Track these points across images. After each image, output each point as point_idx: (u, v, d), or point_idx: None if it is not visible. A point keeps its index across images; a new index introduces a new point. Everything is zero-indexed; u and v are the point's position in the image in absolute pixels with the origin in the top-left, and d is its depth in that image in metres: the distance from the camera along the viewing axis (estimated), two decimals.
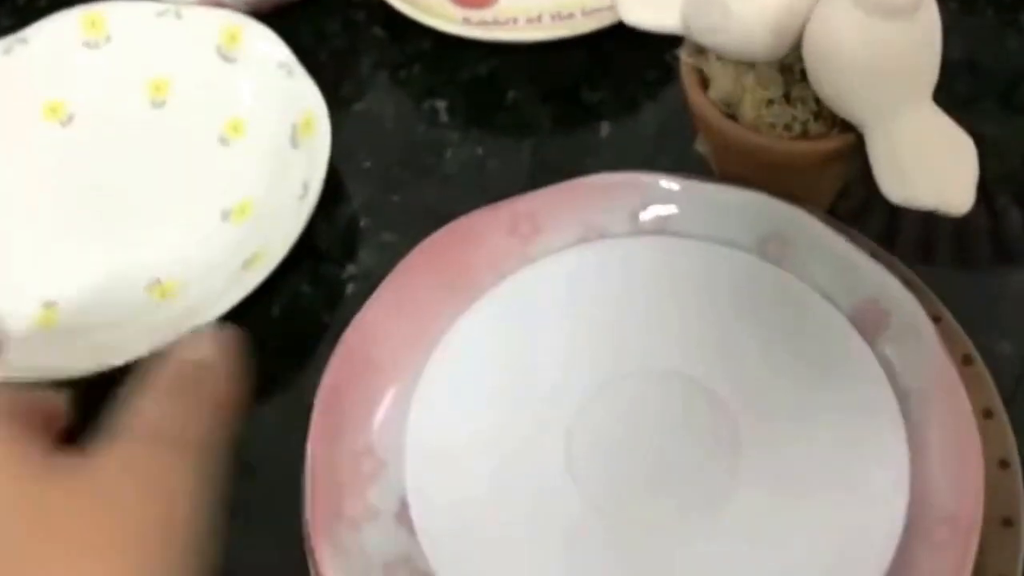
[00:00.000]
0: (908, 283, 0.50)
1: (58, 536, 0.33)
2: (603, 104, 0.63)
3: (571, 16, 0.65)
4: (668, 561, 0.44)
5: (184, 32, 0.62)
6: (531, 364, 0.49)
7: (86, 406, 0.52)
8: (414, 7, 0.64)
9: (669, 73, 0.63)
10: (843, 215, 0.53)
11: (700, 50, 0.51)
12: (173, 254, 0.57)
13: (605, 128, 0.62)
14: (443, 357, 0.49)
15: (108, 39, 0.62)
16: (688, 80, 0.52)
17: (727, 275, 0.50)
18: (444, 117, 0.63)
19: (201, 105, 0.61)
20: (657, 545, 0.44)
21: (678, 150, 0.58)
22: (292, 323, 0.55)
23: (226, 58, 0.61)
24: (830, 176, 0.54)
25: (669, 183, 0.52)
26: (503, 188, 0.54)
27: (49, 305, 0.56)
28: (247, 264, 0.53)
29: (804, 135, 0.50)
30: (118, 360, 0.50)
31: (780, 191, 0.52)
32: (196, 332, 0.42)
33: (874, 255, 0.51)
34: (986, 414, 0.47)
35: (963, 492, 0.43)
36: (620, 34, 0.59)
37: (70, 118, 0.62)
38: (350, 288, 0.56)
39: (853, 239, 0.51)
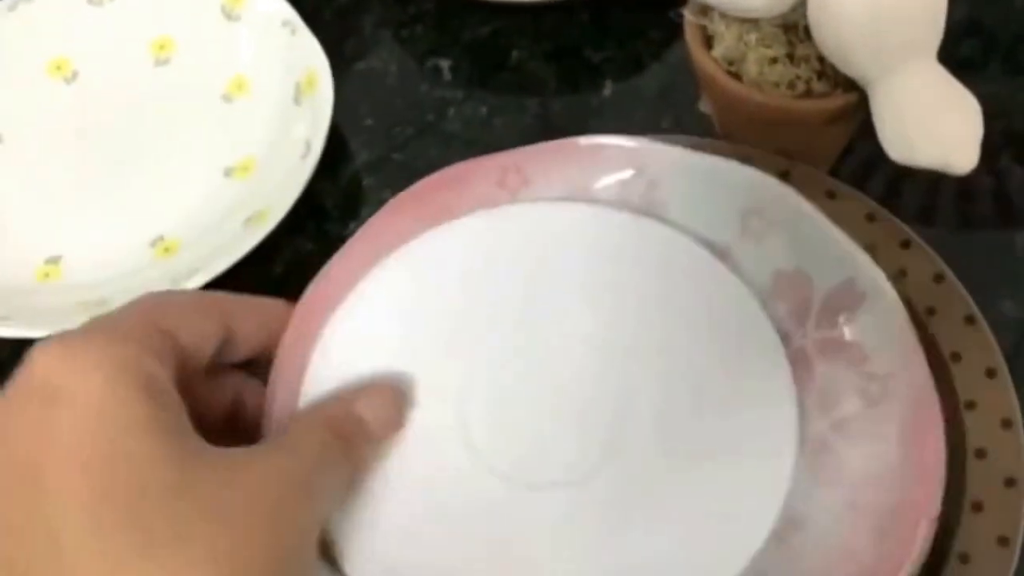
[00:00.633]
0: (908, 243, 0.51)
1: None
2: (606, 64, 0.63)
3: None
4: (567, 523, 0.44)
5: None
6: (434, 321, 0.48)
7: None
8: None
9: (672, 33, 0.63)
10: (845, 175, 0.53)
11: (704, 9, 0.51)
12: (176, 211, 0.57)
13: (608, 88, 0.62)
14: (357, 302, 0.49)
15: None
16: (692, 39, 0.52)
17: (652, 250, 0.49)
18: (447, 76, 0.63)
19: (204, 63, 0.61)
20: (552, 509, 0.44)
21: (681, 109, 0.58)
22: (294, 281, 0.55)
23: (230, 16, 0.61)
24: (833, 135, 0.54)
25: (658, 150, 0.51)
26: (506, 147, 0.52)
27: (53, 260, 0.56)
28: (249, 221, 0.53)
29: (807, 94, 0.50)
30: None
31: (783, 150, 0.52)
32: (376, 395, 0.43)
33: (873, 216, 0.51)
34: (989, 373, 0.48)
35: (919, 486, 0.42)
36: None
37: (74, 75, 0.62)
38: None
39: (854, 198, 0.51)
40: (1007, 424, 0.46)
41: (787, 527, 0.44)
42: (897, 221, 0.51)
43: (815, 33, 0.47)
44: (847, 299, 0.47)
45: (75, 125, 0.61)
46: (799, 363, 0.48)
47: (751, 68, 0.50)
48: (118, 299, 0.51)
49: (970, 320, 0.49)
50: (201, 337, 0.39)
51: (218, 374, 0.42)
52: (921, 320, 0.48)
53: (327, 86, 0.56)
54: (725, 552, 0.42)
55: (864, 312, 0.46)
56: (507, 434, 0.45)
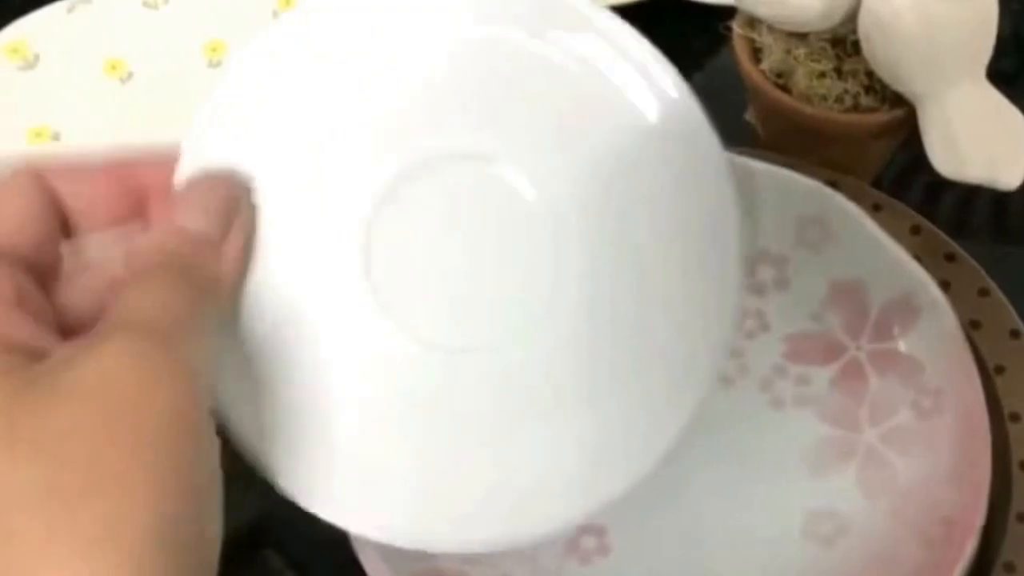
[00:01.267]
0: (953, 257, 0.51)
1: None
2: None
3: None
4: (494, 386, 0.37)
5: None
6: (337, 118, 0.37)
7: None
8: None
9: (716, 43, 0.63)
10: (886, 187, 0.54)
11: (752, 21, 0.52)
12: None
13: None
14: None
15: (167, 0, 0.63)
16: (740, 51, 0.53)
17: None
18: None
19: None
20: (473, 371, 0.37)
21: (724, 119, 0.58)
22: None
23: None
24: (877, 149, 0.54)
25: None
26: None
27: None
28: None
29: (855, 108, 0.51)
30: None
31: (827, 162, 0.53)
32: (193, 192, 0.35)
33: (918, 228, 0.52)
34: None
35: (967, 497, 0.43)
36: (665, 5, 0.60)
37: (130, 75, 0.63)
38: None
39: (899, 211, 0.52)
40: None
41: (834, 531, 0.45)
42: (941, 234, 0.52)
43: (866, 48, 0.48)
44: (903, 312, 0.48)
45: (130, 124, 0.61)
46: (852, 374, 0.49)
47: (799, 81, 0.51)
48: None
49: (1015, 334, 0.49)
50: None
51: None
52: (966, 333, 0.49)
53: None
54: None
55: (920, 326, 0.47)
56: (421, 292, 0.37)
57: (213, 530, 0.30)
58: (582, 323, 0.37)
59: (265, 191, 0.36)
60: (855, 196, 0.51)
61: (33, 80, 0.62)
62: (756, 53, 0.53)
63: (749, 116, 0.55)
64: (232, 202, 0.35)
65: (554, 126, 0.37)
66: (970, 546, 0.41)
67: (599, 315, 0.37)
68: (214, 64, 0.63)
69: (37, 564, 0.26)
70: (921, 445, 0.46)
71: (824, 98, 0.51)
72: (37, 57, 0.62)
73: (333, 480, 0.35)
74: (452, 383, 0.36)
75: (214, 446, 0.31)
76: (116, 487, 0.28)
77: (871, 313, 0.49)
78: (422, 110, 0.37)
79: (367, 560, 0.42)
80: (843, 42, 0.51)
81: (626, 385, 0.37)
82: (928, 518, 0.44)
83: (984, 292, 0.50)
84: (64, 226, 0.35)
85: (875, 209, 0.52)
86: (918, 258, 0.49)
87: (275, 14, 0.62)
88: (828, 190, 0.50)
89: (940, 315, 0.47)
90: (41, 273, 0.33)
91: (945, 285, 0.50)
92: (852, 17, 0.48)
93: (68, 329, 0.33)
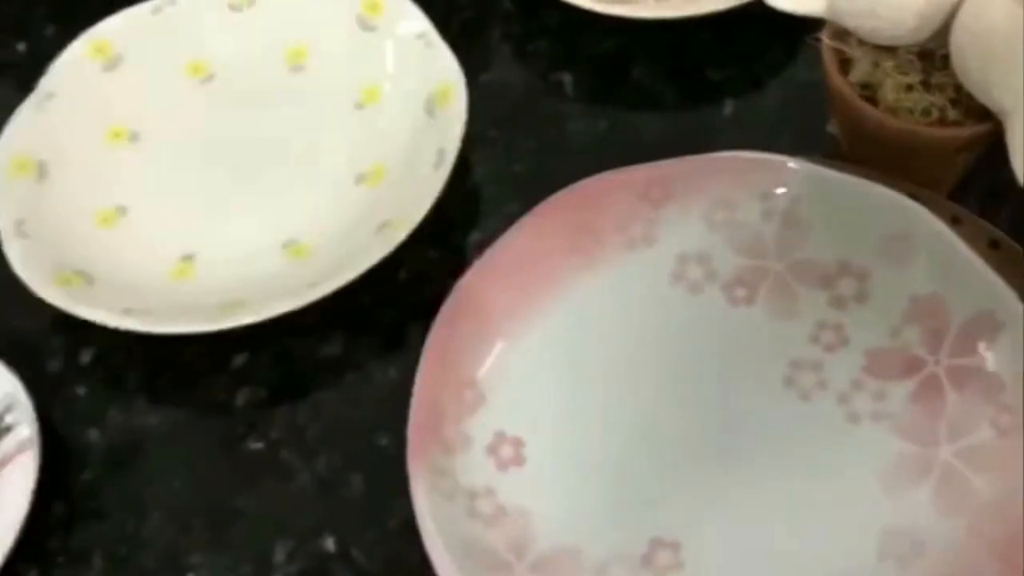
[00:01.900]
0: None
1: None
2: (727, 83, 0.63)
3: None
4: None
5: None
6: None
7: (213, 360, 0.55)
8: None
9: (793, 53, 0.63)
10: (962, 200, 0.53)
11: (841, 33, 0.51)
12: (307, 215, 0.58)
13: (729, 106, 0.62)
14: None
15: (252, 3, 0.64)
16: (829, 62, 0.52)
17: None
18: (569, 90, 0.64)
19: (338, 71, 0.62)
20: None
21: (802, 129, 0.59)
22: (418, 288, 0.56)
23: (366, 27, 0.62)
24: (958, 163, 0.54)
25: (802, 168, 0.52)
26: (625, 161, 0.54)
27: (187, 258, 0.57)
28: (381, 229, 0.54)
29: (941, 121, 0.50)
30: (250, 318, 0.52)
31: (908, 175, 0.52)
32: None
33: (997, 243, 0.51)
34: None
35: None
36: (745, 15, 0.60)
37: (211, 77, 0.63)
38: (474, 256, 0.57)
39: (977, 225, 0.51)
40: None
41: (911, 551, 0.45)
42: (1020, 248, 0.51)
43: (956, 59, 0.48)
44: (985, 328, 0.47)
45: (210, 126, 0.62)
46: (930, 390, 0.48)
47: (887, 94, 0.51)
48: (256, 301, 0.53)
49: None
50: None
51: None
52: None
53: (461, 98, 0.57)
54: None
55: (1001, 342, 0.47)
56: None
57: None
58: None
59: None
60: (934, 209, 0.50)
61: (114, 80, 0.62)
62: (843, 65, 0.53)
63: (831, 127, 0.55)
64: None
65: None
66: None
67: None
68: (296, 68, 0.63)
69: None
70: (1000, 463, 0.45)
71: (911, 111, 0.51)
72: (120, 57, 0.62)
73: None
74: None
75: None
76: None
77: (951, 328, 0.48)
78: None
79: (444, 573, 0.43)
80: (931, 55, 0.50)
81: None
82: (1008, 537, 0.43)
83: None
84: None
85: (954, 222, 0.51)
86: (997, 273, 0.49)
87: (358, 19, 0.62)
88: (911, 203, 0.50)
89: (1021, 331, 0.46)
90: None
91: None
92: (942, 32, 0.48)
93: None
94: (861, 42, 0.51)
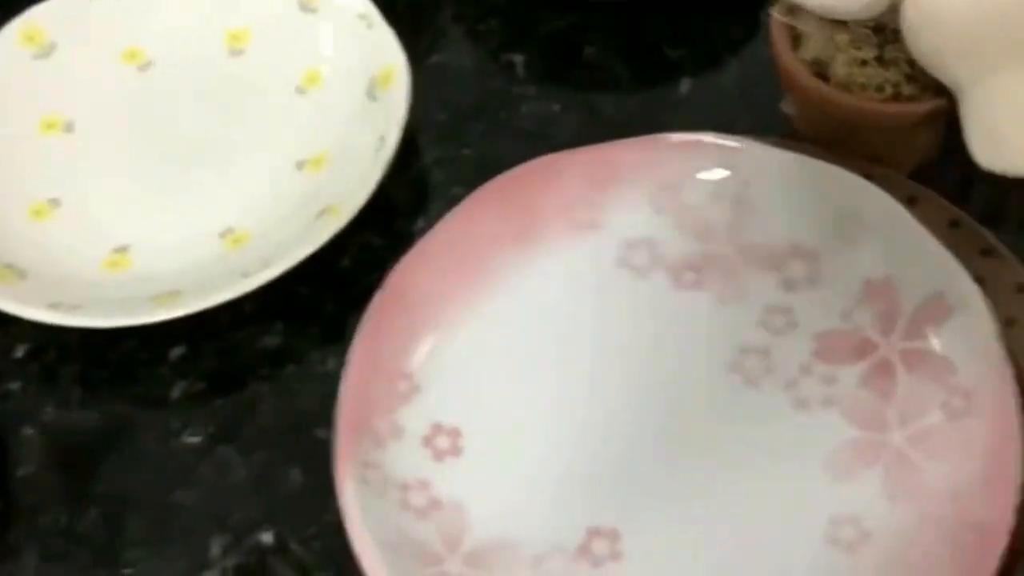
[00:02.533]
0: (990, 251, 0.49)
1: None
2: (684, 61, 0.61)
3: None
4: None
5: None
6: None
7: (150, 353, 0.53)
8: None
9: (751, 31, 0.62)
10: (922, 179, 0.52)
11: (792, 9, 0.50)
12: (246, 203, 0.56)
13: (685, 85, 0.60)
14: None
15: None
16: (779, 38, 0.51)
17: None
18: (521, 71, 0.62)
19: (279, 55, 0.61)
20: None
21: (759, 108, 0.57)
22: (361, 276, 0.55)
23: (306, 8, 0.60)
24: (917, 140, 0.52)
25: (751, 149, 0.51)
26: (579, 144, 0.53)
27: (121, 249, 0.55)
28: (321, 215, 0.53)
29: (895, 97, 0.49)
30: (185, 309, 0.50)
31: (864, 154, 0.51)
32: None
33: (957, 222, 0.50)
34: None
35: (997, 501, 0.41)
36: None
37: (148, 64, 0.61)
38: None
39: (936, 203, 0.50)
40: None
41: (858, 538, 0.44)
42: (980, 228, 0.50)
43: (909, 36, 0.46)
44: (937, 310, 0.46)
45: (147, 114, 0.60)
46: (882, 373, 0.47)
47: (839, 70, 0.49)
48: (190, 292, 0.51)
49: None
50: None
51: None
52: (1000, 330, 0.47)
53: (403, 81, 0.55)
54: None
55: (953, 324, 0.46)
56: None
57: None
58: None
59: None
60: (891, 188, 0.49)
61: (47, 68, 0.60)
62: (795, 41, 0.51)
63: (785, 106, 0.53)
64: None
65: None
66: (999, 552, 0.40)
67: None
68: (236, 52, 0.62)
69: None
70: (951, 448, 0.44)
71: (864, 87, 0.49)
72: (53, 45, 0.61)
73: None
74: None
75: None
76: None
77: (904, 310, 0.47)
78: None
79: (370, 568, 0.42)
80: (886, 30, 0.49)
81: None
82: (958, 524, 0.42)
83: (1021, 288, 0.48)
84: None
85: (911, 202, 0.50)
86: (954, 253, 0.47)
87: (299, 1, 0.60)
88: (863, 182, 0.49)
89: (975, 313, 0.45)
90: None
91: (980, 281, 0.48)
92: (896, 7, 0.46)
93: None
94: (813, 17, 0.49)
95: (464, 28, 0.64)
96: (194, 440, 0.52)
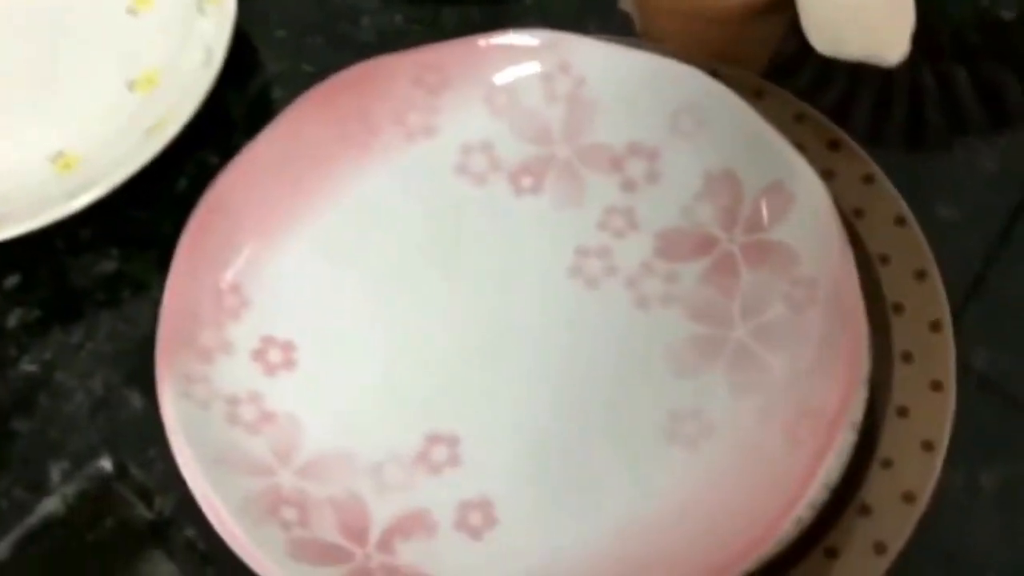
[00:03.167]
0: (837, 144, 0.49)
1: None
2: None
3: None
4: None
5: None
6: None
7: None
8: None
9: None
10: (772, 74, 0.51)
11: None
12: (77, 126, 0.55)
13: None
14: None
15: None
16: None
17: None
18: None
19: None
20: None
21: (605, 12, 0.56)
22: (200, 196, 0.53)
23: None
24: (760, 33, 0.52)
25: (583, 47, 0.49)
26: None
27: None
28: (150, 132, 0.51)
29: None
30: (13, 231, 0.49)
31: (709, 51, 0.50)
32: None
33: (802, 115, 0.50)
34: (918, 276, 0.46)
35: (835, 389, 0.40)
36: None
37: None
38: None
39: (782, 98, 0.49)
40: (936, 327, 0.45)
41: (699, 432, 0.43)
42: (826, 120, 0.50)
43: None
44: (777, 200, 0.45)
45: (42, 76, 0.57)
46: (724, 269, 0.46)
47: None
48: (18, 216, 0.50)
49: (900, 221, 0.47)
50: None
51: None
52: (849, 221, 0.47)
53: None
54: None
55: (793, 214, 0.45)
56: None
57: None
58: None
59: None
60: (737, 84, 0.48)
61: None
62: None
63: (623, 4, 0.52)
64: None
65: None
66: (838, 441, 0.39)
67: None
68: (133, 11, 0.59)
69: None
70: (793, 339, 0.43)
71: None
72: None
73: None
74: None
75: None
76: None
77: (745, 203, 0.46)
78: None
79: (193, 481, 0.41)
80: None
81: None
82: (795, 414, 0.41)
83: (869, 179, 0.48)
84: None
85: (757, 96, 0.50)
86: (800, 146, 0.47)
87: None
88: (702, 74, 0.47)
89: (814, 200, 0.44)
90: None
91: (829, 173, 0.48)
92: None
93: None
94: None
95: None
96: (31, 368, 0.50)
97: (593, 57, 0.49)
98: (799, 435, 0.40)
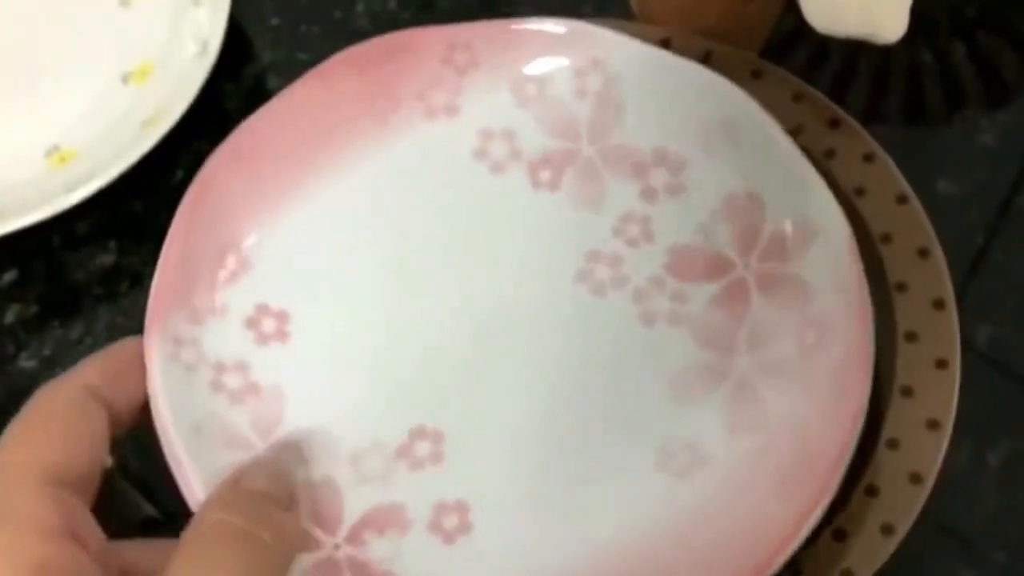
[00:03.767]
0: (837, 122, 0.48)
1: None
2: None
3: None
4: None
5: None
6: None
7: None
8: None
9: None
10: (769, 53, 0.51)
11: None
12: (72, 120, 0.55)
13: None
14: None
15: None
16: None
17: None
18: None
19: None
20: None
21: None
22: None
23: None
24: (758, 11, 0.51)
25: (619, 44, 0.48)
26: None
27: None
28: (146, 124, 0.51)
29: None
30: (10, 226, 0.49)
31: (706, 28, 0.49)
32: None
33: (801, 95, 0.49)
34: (921, 254, 0.45)
35: (835, 437, 0.39)
36: None
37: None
38: None
39: (780, 77, 0.49)
40: (939, 305, 0.44)
41: (691, 464, 0.42)
42: (825, 99, 0.49)
43: None
44: (799, 234, 0.44)
45: (38, 64, 0.58)
46: (736, 295, 0.45)
47: None
48: (14, 211, 0.50)
49: (902, 199, 0.46)
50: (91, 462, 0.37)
51: None
52: (849, 200, 0.46)
53: None
54: None
55: (814, 250, 0.43)
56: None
57: None
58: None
59: None
60: (733, 64, 0.48)
61: None
62: None
63: None
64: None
65: None
66: (833, 489, 0.38)
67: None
68: (125, 3, 0.59)
69: None
70: (798, 383, 0.42)
71: None
72: None
73: None
74: None
75: None
76: None
77: (765, 230, 0.45)
78: None
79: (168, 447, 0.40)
80: None
81: None
82: (792, 459, 0.40)
83: (870, 157, 0.47)
84: None
85: (754, 76, 0.49)
86: (800, 126, 0.46)
87: None
88: (742, 94, 0.46)
89: (837, 241, 0.43)
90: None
91: (829, 153, 0.47)
92: None
93: None
94: None
95: None
96: (30, 364, 0.50)
97: (629, 57, 0.48)
98: (794, 479, 0.39)
